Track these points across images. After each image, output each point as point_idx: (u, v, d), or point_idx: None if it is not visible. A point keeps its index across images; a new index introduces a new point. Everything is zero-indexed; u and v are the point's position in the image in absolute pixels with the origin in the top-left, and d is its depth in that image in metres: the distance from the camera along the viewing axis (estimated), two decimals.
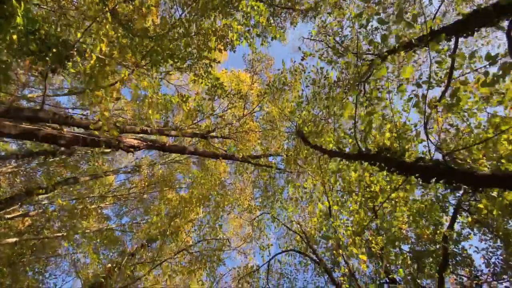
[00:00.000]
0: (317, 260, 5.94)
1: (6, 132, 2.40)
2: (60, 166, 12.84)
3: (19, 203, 6.43)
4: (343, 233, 6.27)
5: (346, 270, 6.25)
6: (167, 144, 4.37)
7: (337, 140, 4.51)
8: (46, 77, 3.37)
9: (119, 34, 4.32)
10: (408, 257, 7.07)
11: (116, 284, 8.86)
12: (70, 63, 4.07)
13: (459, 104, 2.60)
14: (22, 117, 2.77)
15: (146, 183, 11.95)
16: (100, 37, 3.65)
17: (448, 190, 7.38)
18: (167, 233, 11.05)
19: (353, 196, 7.58)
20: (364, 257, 5.95)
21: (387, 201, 7.56)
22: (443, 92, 4.94)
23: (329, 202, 7.27)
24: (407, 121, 3.95)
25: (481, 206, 4.27)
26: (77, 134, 2.86)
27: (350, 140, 4.08)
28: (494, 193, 3.99)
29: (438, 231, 7.78)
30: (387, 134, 3.64)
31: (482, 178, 2.35)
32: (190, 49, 8.33)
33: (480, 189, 3.01)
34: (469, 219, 8.07)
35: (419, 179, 2.80)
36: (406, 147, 3.34)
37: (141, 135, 4.87)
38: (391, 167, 3.18)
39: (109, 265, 8.94)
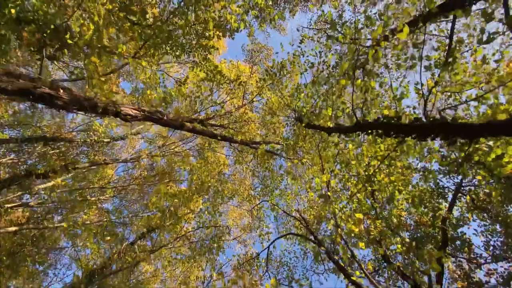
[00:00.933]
0: (316, 241, 5.94)
1: (2, 87, 2.41)
2: (60, 159, 12.86)
3: (19, 184, 6.43)
4: (341, 216, 6.28)
5: (348, 252, 6.25)
6: (165, 118, 4.37)
7: (335, 116, 4.51)
8: (44, 46, 3.38)
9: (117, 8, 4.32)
10: (407, 240, 7.07)
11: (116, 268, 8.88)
12: (68, 39, 4.08)
13: (455, 63, 2.60)
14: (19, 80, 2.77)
15: (145, 175, 11.96)
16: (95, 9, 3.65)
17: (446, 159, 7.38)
18: (167, 223, 11.09)
19: (351, 180, 7.58)
20: (363, 245, 5.97)
21: (386, 187, 7.56)
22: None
23: (328, 187, 7.27)
24: (404, 89, 3.95)
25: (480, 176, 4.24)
26: (75, 93, 2.85)
27: (348, 110, 4.09)
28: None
29: (437, 217, 7.78)
30: (385, 103, 3.64)
31: (478, 127, 2.34)
32: (188, 37, 8.36)
33: (475, 140, 2.99)
34: (468, 198, 8.05)
35: (416, 140, 2.80)
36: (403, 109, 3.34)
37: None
38: (389, 131, 3.19)
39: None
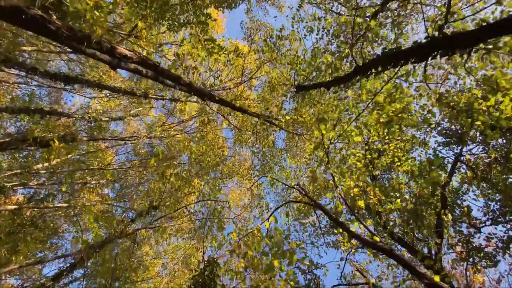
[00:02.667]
0: (313, 202, 5.93)
1: None
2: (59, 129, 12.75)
3: (16, 148, 6.40)
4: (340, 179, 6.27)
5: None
6: (160, 66, 4.31)
7: (334, 66, 4.46)
8: None
9: None
10: (406, 197, 7.08)
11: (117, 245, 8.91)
12: None
13: None
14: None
15: (145, 154, 11.92)
16: None
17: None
18: (167, 203, 11.11)
19: (351, 150, 7.57)
20: (362, 203, 5.96)
21: (385, 154, 7.55)
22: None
23: (327, 157, 7.23)
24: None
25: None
26: (69, 25, 2.77)
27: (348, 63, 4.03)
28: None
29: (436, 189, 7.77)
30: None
31: (476, 31, 2.29)
32: (187, 14, 8.27)
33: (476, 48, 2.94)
34: (468, 174, 8.07)
35: (416, 63, 2.76)
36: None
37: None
38: (388, 63, 3.14)
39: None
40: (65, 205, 11.65)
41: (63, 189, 8.94)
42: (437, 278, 3.09)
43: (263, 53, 8.57)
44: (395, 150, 6.95)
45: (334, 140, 7.37)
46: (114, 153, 16.50)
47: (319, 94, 6.23)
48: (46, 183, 11.47)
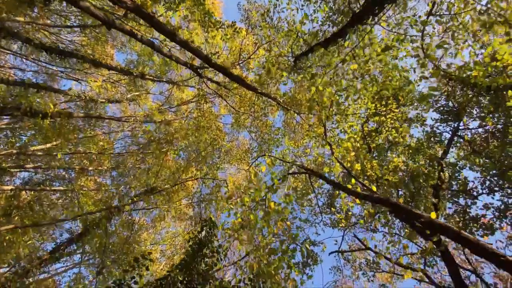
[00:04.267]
0: (309, 170, 5.91)
1: None
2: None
3: (9, 116, 6.33)
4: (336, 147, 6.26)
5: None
6: (156, 18, 4.25)
7: (331, 21, 4.42)
8: None
9: None
10: (404, 179, 7.09)
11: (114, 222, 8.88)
12: None
13: None
14: None
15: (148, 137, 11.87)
16: None
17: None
18: (165, 185, 11.08)
19: (349, 123, 7.55)
20: (358, 166, 5.95)
21: (383, 126, 7.53)
22: None
23: (325, 131, 7.21)
24: None
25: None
26: None
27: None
28: None
29: (433, 159, 7.79)
30: None
31: None
32: None
33: None
34: (466, 138, 8.04)
35: None
36: None
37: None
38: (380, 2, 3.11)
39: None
40: (62, 188, 11.61)
41: (60, 162, 8.79)
42: (433, 215, 3.08)
43: (261, 29, 8.51)
44: (392, 122, 6.94)
45: (331, 113, 7.36)
46: (112, 140, 16.41)
47: (318, 60, 6.18)
48: (43, 167, 11.38)
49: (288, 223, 4.17)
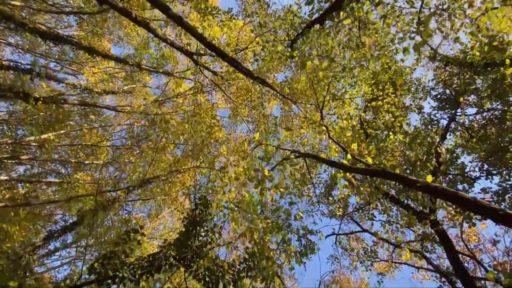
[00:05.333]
0: (308, 155, 5.85)
1: None
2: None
3: (2, 97, 6.22)
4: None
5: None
6: None
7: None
8: None
9: None
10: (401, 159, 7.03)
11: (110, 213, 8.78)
12: None
13: None
14: None
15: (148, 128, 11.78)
16: None
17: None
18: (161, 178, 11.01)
19: (346, 108, 7.50)
20: (355, 146, 5.86)
21: (380, 110, 7.48)
22: None
23: (321, 115, 7.15)
24: None
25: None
26: None
27: None
28: None
29: (430, 145, 7.73)
30: None
31: None
32: None
33: None
34: (463, 120, 8.00)
35: None
36: None
37: None
38: None
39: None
40: (57, 181, 11.50)
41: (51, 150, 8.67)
42: (429, 178, 3.02)
43: (257, 16, 8.47)
44: (389, 106, 6.89)
45: (328, 98, 7.31)
46: (109, 134, 16.29)
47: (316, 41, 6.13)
48: (39, 159, 11.29)
49: (282, 189, 4.10)
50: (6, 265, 6.36)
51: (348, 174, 5.40)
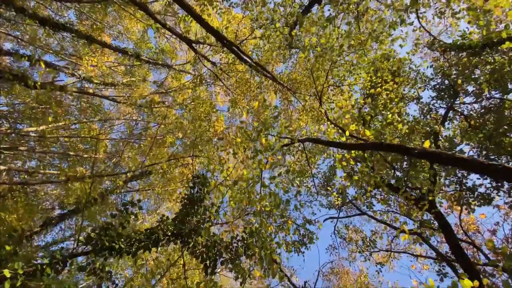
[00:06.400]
0: (308, 139, 5.85)
1: None
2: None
3: (0, 78, 6.19)
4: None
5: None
6: None
7: None
8: None
9: None
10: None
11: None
12: None
13: None
14: None
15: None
16: None
17: None
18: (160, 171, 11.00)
19: (345, 95, 7.51)
20: (354, 126, 5.86)
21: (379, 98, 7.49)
22: None
23: (320, 101, 7.16)
24: None
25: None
26: None
27: None
28: None
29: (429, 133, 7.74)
30: None
31: None
32: None
33: None
34: (462, 122, 8.05)
35: None
36: None
37: None
38: None
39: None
40: (55, 172, 11.45)
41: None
42: (426, 144, 3.02)
43: (256, 5, 8.49)
44: (388, 92, 6.90)
45: (327, 84, 7.32)
46: (108, 127, 16.28)
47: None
48: (37, 149, 11.27)
49: (280, 156, 4.10)
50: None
51: (346, 155, 5.40)
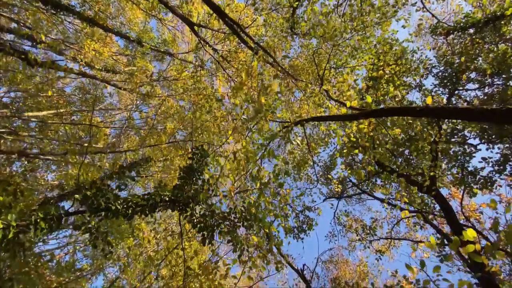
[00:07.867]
0: (309, 119, 5.80)
1: None
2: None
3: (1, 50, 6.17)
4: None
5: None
6: None
7: None
8: None
9: None
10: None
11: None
12: None
13: None
14: None
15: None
16: None
17: None
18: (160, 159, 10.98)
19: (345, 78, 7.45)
20: (355, 102, 5.81)
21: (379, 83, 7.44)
22: None
23: (321, 82, 7.11)
24: None
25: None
26: None
27: None
28: None
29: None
30: None
31: None
32: None
33: None
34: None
35: None
36: None
37: None
38: None
39: None
40: (55, 159, 11.44)
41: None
42: (429, 100, 2.96)
43: None
44: (389, 77, 6.85)
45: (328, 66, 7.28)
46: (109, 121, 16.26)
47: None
48: (37, 136, 11.26)
49: (279, 115, 4.05)
50: None
51: (347, 130, 5.35)
